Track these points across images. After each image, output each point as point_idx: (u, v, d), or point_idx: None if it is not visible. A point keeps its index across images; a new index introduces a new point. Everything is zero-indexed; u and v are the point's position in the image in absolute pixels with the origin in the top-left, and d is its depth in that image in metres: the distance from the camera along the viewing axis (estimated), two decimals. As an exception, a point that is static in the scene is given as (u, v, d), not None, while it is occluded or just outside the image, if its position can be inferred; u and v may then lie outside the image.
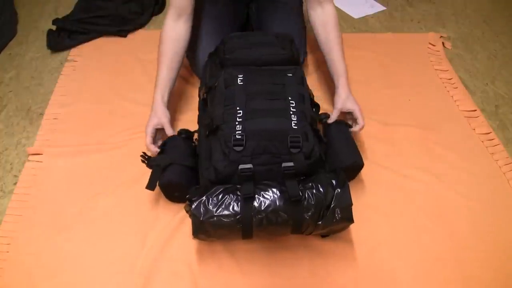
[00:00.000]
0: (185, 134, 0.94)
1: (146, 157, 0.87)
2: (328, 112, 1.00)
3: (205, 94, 0.93)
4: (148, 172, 0.86)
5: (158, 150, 0.91)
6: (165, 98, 0.97)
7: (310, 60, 1.32)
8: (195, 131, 0.96)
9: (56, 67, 1.29)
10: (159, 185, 0.85)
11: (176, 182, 0.84)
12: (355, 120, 0.97)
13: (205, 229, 0.73)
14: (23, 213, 0.89)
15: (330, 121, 0.97)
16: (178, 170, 0.84)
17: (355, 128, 0.96)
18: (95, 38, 1.39)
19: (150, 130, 0.93)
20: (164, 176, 0.84)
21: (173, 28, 1.01)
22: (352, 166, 0.90)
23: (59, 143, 1.04)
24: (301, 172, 0.76)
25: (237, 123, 0.77)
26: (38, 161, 1.00)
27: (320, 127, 0.99)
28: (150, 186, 0.84)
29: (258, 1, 1.23)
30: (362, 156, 0.90)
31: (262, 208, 0.72)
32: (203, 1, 1.16)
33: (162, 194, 0.90)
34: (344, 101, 0.97)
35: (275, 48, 0.92)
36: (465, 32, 1.53)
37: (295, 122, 0.78)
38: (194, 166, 0.86)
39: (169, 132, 0.93)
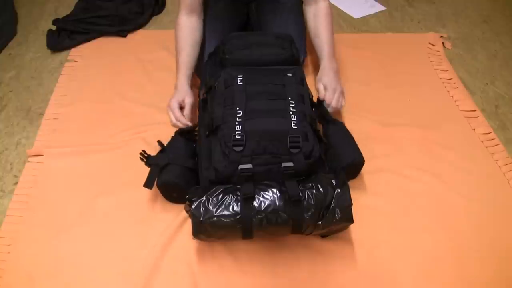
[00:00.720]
0: (188, 135, 0.94)
1: (146, 155, 0.87)
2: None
3: (205, 94, 0.93)
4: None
5: (189, 123, 0.95)
6: (189, 80, 1.02)
7: (310, 60, 1.32)
8: (195, 129, 0.96)
9: (56, 67, 1.30)
10: (156, 186, 0.85)
11: (173, 183, 0.84)
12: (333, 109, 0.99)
13: (205, 229, 0.73)
14: (23, 214, 0.89)
15: (327, 101, 0.98)
16: (175, 171, 0.84)
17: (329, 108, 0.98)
18: (95, 38, 1.39)
19: (175, 105, 0.96)
20: (160, 177, 0.84)
21: (189, 21, 1.07)
22: (353, 164, 0.90)
23: (59, 143, 1.04)
24: (301, 172, 0.76)
25: (237, 123, 0.77)
26: (38, 162, 1.00)
27: (320, 127, 0.99)
28: (148, 184, 0.84)
29: (258, 1, 1.23)
30: (362, 156, 0.90)
31: (262, 208, 0.72)
32: (204, 0, 1.16)
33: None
34: (326, 79, 1.02)
35: (275, 48, 0.93)
36: (465, 32, 1.53)
37: (295, 122, 0.78)
38: (193, 167, 0.86)
39: (188, 113, 0.97)
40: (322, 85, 1.01)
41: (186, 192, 0.75)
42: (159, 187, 0.86)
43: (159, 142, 0.90)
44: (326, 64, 1.06)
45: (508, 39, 1.50)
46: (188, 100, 0.98)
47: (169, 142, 0.91)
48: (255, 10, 1.23)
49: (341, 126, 0.95)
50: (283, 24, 1.18)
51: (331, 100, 0.98)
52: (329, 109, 0.98)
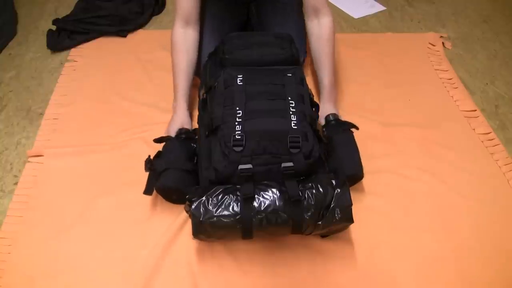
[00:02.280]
0: (185, 134, 0.93)
1: (148, 160, 0.87)
2: (335, 113, 1.02)
3: (205, 94, 0.93)
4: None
5: None
6: (187, 102, 1.03)
7: (309, 60, 1.32)
8: (195, 130, 0.96)
9: (56, 67, 1.30)
10: (155, 189, 0.85)
11: (171, 186, 0.84)
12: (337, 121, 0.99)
13: (205, 229, 0.73)
14: (24, 214, 0.89)
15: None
16: (173, 175, 0.84)
17: None
18: (95, 38, 1.39)
19: (174, 132, 0.95)
20: (159, 181, 0.84)
21: (184, 37, 1.05)
22: (353, 177, 0.91)
23: (59, 144, 1.04)
24: (300, 172, 0.76)
25: (236, 123, 0.77)
26: (38, 162, 1.00)
27: (320, 127, 0.99)
28: (147, 191, 0.85)
29: (258, 1, 1.23)
30: (362, 156, 0.90)
31: (262, 208, 0.72)
32: (204, 0, 1.16)
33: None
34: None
35: (275, 48, 0.92)
36: (465, 32, 1.53)
37: (295, 122, 0.78)
38: (191, 169, 0.86)
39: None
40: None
41: (186, 194, 0.75)
42: (157, 190, 0.86)
43: (156, 140, 0.91)
44: (326, 101, 1.06)
45: (508, 39, 1.50)
46: (188, 127, 0.98)
47: (165, 146, 0.90)
48: (255, 10, 1.23)
49: (350, 135, 0.94)
50: (283, 24, 1.18)
51: None
52: None
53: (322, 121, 1.01)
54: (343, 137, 0.93)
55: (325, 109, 1.03)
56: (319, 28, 1.07)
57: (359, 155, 0.90)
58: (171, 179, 0.84)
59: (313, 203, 0.72)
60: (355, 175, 0.90)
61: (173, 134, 0.95)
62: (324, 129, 0.98)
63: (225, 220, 0.72)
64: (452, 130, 1.12)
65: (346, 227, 0.80)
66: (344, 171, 0.86)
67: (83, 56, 1.33)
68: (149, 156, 0.88)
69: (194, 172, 0.87)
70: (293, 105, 0.81)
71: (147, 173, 0.86)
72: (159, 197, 0.91)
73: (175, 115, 1.00)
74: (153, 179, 0.85)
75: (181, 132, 0.94)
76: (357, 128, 0.96)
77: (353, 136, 0.94)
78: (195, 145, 0.92)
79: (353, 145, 0.92)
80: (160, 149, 0.90)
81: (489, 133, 1.12)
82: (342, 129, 0.95)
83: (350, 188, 0.76)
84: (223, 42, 0.95)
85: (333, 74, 1.07)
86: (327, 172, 0.81)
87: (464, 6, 1.68)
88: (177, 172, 0.84)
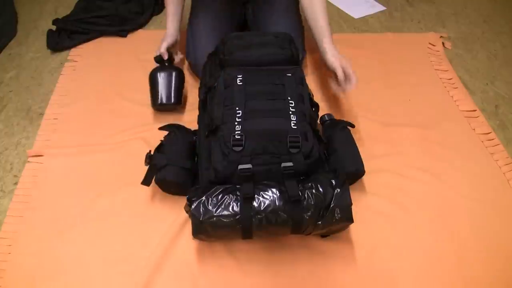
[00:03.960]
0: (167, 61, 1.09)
1: (149, 155, 0.87)
2: (330, 113, 1.01)
3: (204, 94, 0.93)
4: (148, 172, 0.86)
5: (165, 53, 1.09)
6: (177, 25, 1.16)
7: (309, 60, 1.32)
8: (194, 131, 0.96)
9: (56, 67, 1.30)
10: (154, 181, 0.87)
11: (170, 180, 0.85)
12: (347, 77, 0.98)
13: (204, 229, 0.73)
14: (24, 214, 0.89)
15: (348, 78, 0.97)
16: (174, 170, 0.85)
17: (348, 86, 0.97)
18: (95, 38, 1.39)
19: (163, 49, 1.10)
20: (159, 173, 0.85)
21: None
22: (355, 174, 0.91)
23: (59, 144, 1.05)
24: (300, 172, 0.76)
25: (236, 123, 0.77)
26: (38, 162, 1.00)
27: (319, 127, 0.99)
28: (145, 182, 0.86)
29: (254, 1, 1.23)
30: (362, 156, 0.90)
31: (262, 208, 0.72)
32: (202, 0, 1.17)
33: (161, 194, 0.91)
34: (339, 59, 1.00)
35: (274, 48, 0.92)
36: (465, 32, 1.53)
37: (295, 122, 0.78)
38: (191, 167, 0.87)
39: (162, 46, 1.11)
40: (344, 69, 0.99)
41: (184, 188, 0.75)
42: (157, 182, 0.88)
43: (161, 128, 0.94)
44: (331, 44, 1.03)
45: (508, 39, 1.50)
46: (169, 39, 1.12)
47: (168, 141, 0.91)
48: (252, 10, 1.23)
49: (347, 132, 0.95)
50: (280, 23, 1.18)
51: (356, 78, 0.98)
52: (349, 88, 0.98)
53: (330, 58, 1.00)
54: (341, 135, 0.93)
55: (334, 52, 1.01)
56: None
57: (358, 151, 0.91)
58: (171, 174, 0.85)
59: (312, 203, 0.72)
60: (356, 172, 0.90)
61: (162, 49, 1.10)
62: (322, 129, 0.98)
63: (225, 220, 0.72)
64: (452, 130, 1.12)
65: (346, 227, 0.80)
66: (345, 169, 0.86)
67: (83, 56, 1.33)
68: (150, 151, 0.88)
69: (192, 170, 0.87)
70: (293, 105, 0.81)
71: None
72: (159, 197, 0.91)
73: (164, 35, 1.14)
74: (152, 173, 0.86)
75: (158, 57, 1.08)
76: (352, 126, 0.96)
77: (351, 133, 0.94)
78: (195, 137, 0.93)
79: (352, 142, 0.93)
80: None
81: (489, 133, 1.12)
82: (339, 128, 0.95)
83: (351, 187, 0.75)
84: (222, 42, 0.95)
85: (328, 22, 1.06)
86: (327, 171, 0.81)
87: (464, 6, 1.68)
88: (177, 168, 0.85)
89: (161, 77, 1.07)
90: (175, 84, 1.08)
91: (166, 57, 1.10)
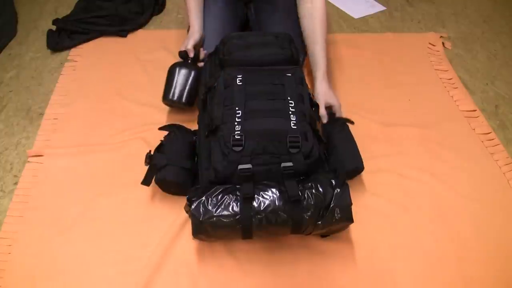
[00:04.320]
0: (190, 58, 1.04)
1: (149, 155, 0.87)
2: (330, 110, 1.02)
3: (204, 94, 0.93)
4: (148, 172, 0.86)
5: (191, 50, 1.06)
6: (201, 22, 1.14)
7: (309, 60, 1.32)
8: (194, 131, 0.96)
9: (56, 67, 1.29)
10: (154, 181, 0.87)
11: (170, 180, 0.85)
12: (333, 114, 1.01)
13: (204, 229, 0.73)
14: (24, 214, 0.89)
15: (322, 118, 0.98)
16: (174, 171, 0.85)
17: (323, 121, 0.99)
18: (95, 38, 1.39)
19: (189, 45, 1.07)
20: (159, 173, 0.85)
21: None
22: (355, 171, 0.92)
23: (59, 144, 1.05)
24: (300, 172, 0.76)
25: (236, 123, 0.77)
26: (38, 162, 1.00)
27: (319, 126, 0.99)
28: (145, 182, 0.86)
29: (257, 1, 1.23)
30: (362, 156, 0.90)
31: (262, 208, 0.72)
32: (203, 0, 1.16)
33: (161, 194, 0.91)
34: (324, 94, 1.01)
35: (275, 48, 0.92)
36: (465, 32, 1.53)
37: (294, 122, 0.78)
38: (191, 167, 0.87)
39: (189, 43, 1.08)
40: (332, 107, 1.02)
41: (184, 188, 0.75)
42: (156, 182, 0.87)
43: (161, 128, 0.94)
44: (322, 82, 1.04)
45: (508, 39, 1.49)
46: (196, 36, 1.10)
47: (168, 141, 0.91)
48: (254, 10, 1.23)
49: (347, 131, 0.95)
50: (281, 24, 1.18)
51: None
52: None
53: (321, 98, 1.01)
54: (341, 134, 0.94)
55: (322, 88, 1.03)
56: (312, 8, 1.09)
57: (357, 148, 0.91)
58: (171, 174, 0.85)
59: (312, 203, 0.72)
60: (356, 169, 0.91)
61: (189, 46, 1.07)
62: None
63: (225, 220, 0.72)
64: (452, 130, 1.12)
65: (346, 226, 0.80)
66: (344, 167, 0.86)
67: (83, 56, 1.33)
68: (150, 151, 0.88)
69: (192, 170, 0.87)
70: (293, 105, 0.81)
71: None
72: (159, 197, 0.91)
73: (188, 33, 1.12)
74: (152, 173, 0.86)
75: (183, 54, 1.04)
76: (352, 123, 0.97)
77: (349, 130, 0.95)
78: (195, 137, 0.93)
79: (352, 140, 0.93)
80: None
81: (489, 133, 1.12)
82: (338, 124, 0.96)
83: (350, 187, 0.75)
84: (222, 42, 0.95)
85: (325, 53, 1.08)
86: (327, 171, 0.81)
87: (464, 6, 1.67)
88: (177, 168, 0.85)
89: (180, 74, 1.03)
90: (190, 84, 1.03)
91: (192, 54, 1.05)
